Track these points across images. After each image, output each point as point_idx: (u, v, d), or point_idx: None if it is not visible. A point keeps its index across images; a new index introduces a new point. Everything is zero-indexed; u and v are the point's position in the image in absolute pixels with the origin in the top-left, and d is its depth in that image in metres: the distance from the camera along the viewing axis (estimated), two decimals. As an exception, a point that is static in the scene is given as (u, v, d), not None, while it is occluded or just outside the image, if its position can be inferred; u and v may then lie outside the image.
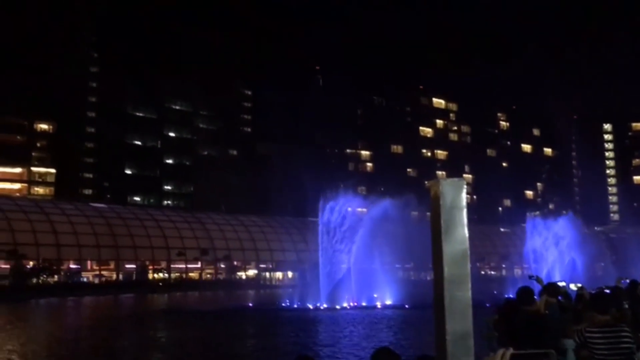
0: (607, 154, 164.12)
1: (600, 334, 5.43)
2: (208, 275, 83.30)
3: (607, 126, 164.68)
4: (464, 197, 5.40)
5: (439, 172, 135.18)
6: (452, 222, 5.33)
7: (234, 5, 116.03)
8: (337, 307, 40.74)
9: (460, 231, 5.34)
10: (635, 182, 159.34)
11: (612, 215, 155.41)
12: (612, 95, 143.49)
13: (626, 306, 7.87)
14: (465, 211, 5.41)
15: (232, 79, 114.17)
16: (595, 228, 74.85)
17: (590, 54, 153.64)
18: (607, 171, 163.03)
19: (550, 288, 8.38)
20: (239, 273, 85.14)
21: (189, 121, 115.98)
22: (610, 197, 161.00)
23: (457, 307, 5.18)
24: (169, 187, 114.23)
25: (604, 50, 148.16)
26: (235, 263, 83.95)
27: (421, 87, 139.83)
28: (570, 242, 58.34)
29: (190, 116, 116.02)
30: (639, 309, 7.91)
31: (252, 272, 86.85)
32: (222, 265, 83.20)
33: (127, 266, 77.30)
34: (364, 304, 42.13)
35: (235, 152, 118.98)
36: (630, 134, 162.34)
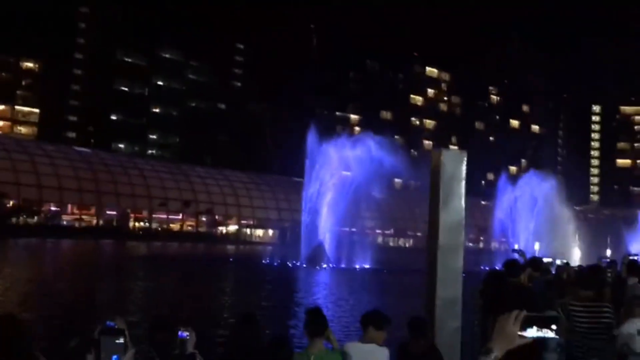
0: (593, 135, 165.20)
1: (582, 308, 5.66)
2: (189, 228, 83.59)
3: (596, 107, 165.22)
4: (464, 169, 5.50)
5: (426, 142, 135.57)
6: (450, 192, 5.44)
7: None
8: (317, 267, 41.26)
9: (457, 202, 5.45)
10: (618, 165, 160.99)
11: (592, 196, 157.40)
12: (602, 76, 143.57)
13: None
14: (463, 183, 5.51)
15: (225, 32, 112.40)
16: (575, 207, 75.92)
17: (585, 35, 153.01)
18: (592, 152, 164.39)
19: (534, 262, 8.62)
20: (220, 227, 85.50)
21: (179, 71, 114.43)
22: (592, 179, 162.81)
23: (448, 274, 5.34)
24: (154, 137, 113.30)
25: (600, 32, 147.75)
26: (216, 217, 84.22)
27: (416, 54, 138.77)
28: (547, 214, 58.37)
29: (180, 66, 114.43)
30: (618, 287, 8.18)
31: (233, 228, 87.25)
32: (204, 219, 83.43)
33: (108, 212, 77.24)
34: (342, 265, 42.70)
35: (224, 107, 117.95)
36: (617, 116, 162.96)
